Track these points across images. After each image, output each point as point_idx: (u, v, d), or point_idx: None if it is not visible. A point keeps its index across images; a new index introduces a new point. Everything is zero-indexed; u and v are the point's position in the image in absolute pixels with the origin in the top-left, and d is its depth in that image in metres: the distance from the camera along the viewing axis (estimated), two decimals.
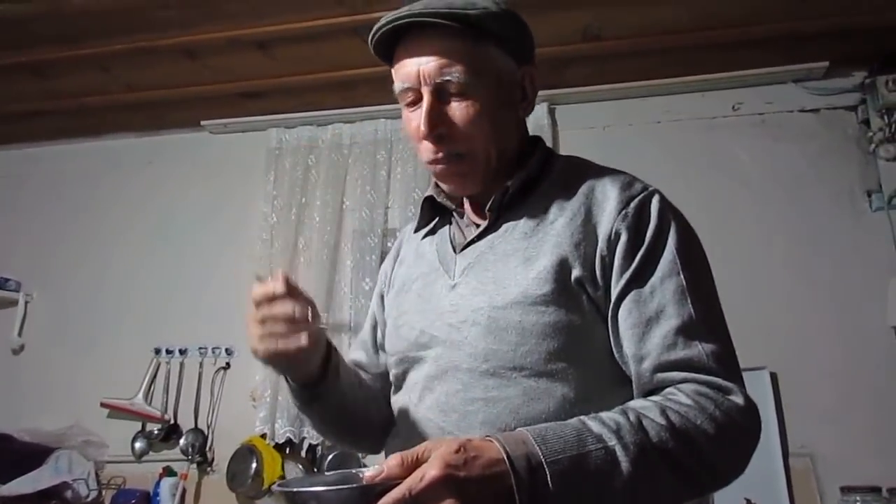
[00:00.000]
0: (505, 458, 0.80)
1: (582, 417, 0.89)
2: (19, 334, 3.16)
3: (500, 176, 1.12)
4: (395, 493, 0.75)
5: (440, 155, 1.09)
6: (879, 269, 2.55)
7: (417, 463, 0.78)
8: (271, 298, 1.01)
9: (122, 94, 3.03)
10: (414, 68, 1.06)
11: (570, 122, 2.97)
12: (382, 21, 1.06)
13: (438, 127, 1.06)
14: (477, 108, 1.05)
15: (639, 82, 2.89)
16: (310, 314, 1.00)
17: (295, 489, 0.82)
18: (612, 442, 0.85)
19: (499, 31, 1.07)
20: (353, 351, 1.39)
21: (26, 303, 3.20)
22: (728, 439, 0.92)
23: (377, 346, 1.32)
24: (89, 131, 3.36)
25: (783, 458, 2.40)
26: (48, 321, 3.17)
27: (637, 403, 0.94)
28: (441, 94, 1.06)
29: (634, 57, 2.75)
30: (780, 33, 2.58)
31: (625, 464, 0.84)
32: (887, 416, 2.40)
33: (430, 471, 0.75)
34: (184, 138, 3.32)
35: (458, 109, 1.06)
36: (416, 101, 1.08)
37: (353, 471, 0.89)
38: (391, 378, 1.23)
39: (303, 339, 1.00)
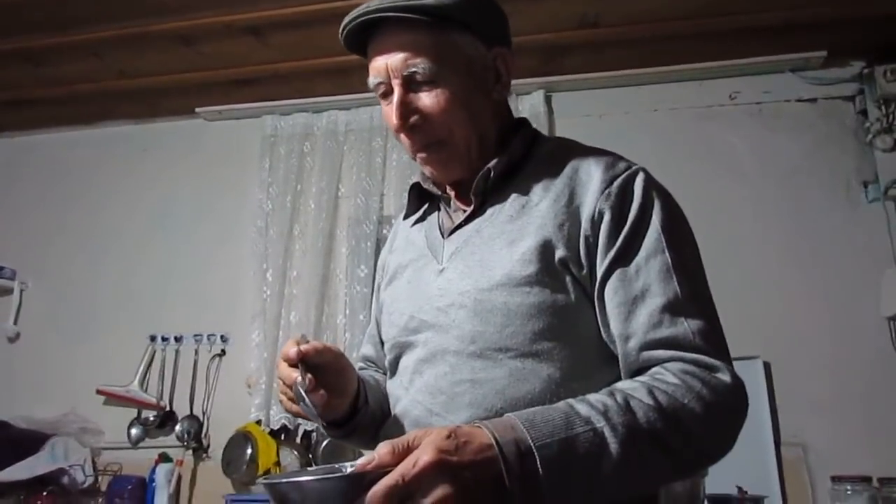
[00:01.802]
0: (494, 443, 0.79)
1: (569, 400, 0.89)
2: (15, 322, 3.16)
3: (484, 159, 1.13)
4: (388, 479, 0.74)
5: (419, 145, 1.11)
6: (874, 260, 2.55)
7: (409, 450, 0.77)
8: (286, 360, 1.04)
9: (116, 81, 3.01)
10: (382, 63, 1.08)
11: (566, 110, 2.96)
12: (345, 20, 1.08)
13: (410, 118, 1.08)
14: (447, 96, 1.06)
15: (635, 70, 2.88)
16: (302, 388, 1.00)
17: (275, 481, 0.81)
18: (601, 424, 0.85)
19: (462, 17, 1.07)
20: (363, 345, 1.42)
21: (21, 291, 3.20)
22: (716, 418, 0.92)
23: (382, 340, 1.32)
24: (82, 119, 3.35)
25: (775, 447, 2.41)
26: (44, 309, 3.18)
27: (624, 384, 0.94)
28: (411, 86, 1.07)
29: (631, 45, 2.74)
30: (779, 22, 2.57)
31: (613, 445, 0.84)
32: (879, 407, 2.41)
33: (423, 456, 0.75)
34: (178, 126, 3.31)
35: (428, 99, 1.07)
36: (389, 94, 1.10)
37: (345, 463, 0.88)
38: (387, 365, 1.24)
39: (293, 408, 1.05)
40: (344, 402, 1.12)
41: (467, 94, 1.08)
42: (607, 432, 0.84)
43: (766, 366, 2.50)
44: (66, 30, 2.63)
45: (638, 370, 0.98)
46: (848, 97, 2.76)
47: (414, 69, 1.06)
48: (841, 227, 2.62)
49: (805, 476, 2.40)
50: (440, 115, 1.07)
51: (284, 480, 0.81)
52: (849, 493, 2.14)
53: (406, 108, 1.08)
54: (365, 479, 0.75)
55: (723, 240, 2.53)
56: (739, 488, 2.19)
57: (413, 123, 1.09)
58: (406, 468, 0.75)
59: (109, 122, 3.36)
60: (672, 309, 0.97)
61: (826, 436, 2.42)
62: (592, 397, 0.89)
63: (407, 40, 1.06)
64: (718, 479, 1.99)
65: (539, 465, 0.80)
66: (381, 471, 0.75)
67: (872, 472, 2.20)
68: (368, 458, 0.78)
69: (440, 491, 0.74)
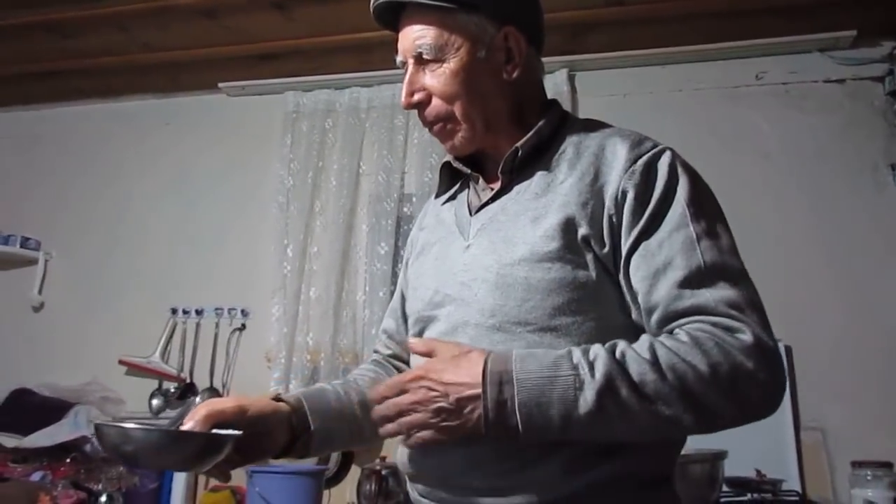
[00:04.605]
0: (482, 370, 0.93)
1: (572, 347, 0.95)
2: (39, 292, 3.21)
3: (496, 137, 1.17)
4: (393, 379, 1.00)
5: (424, 120, 1.18)
6: None
7: (429, 352, 1.01)
8: None
9: (140, 55, 3.02)
10: (400, 44, 1.18)
11: (589, 89, 2.94)
12: (371, 4, 1.18)
13: (414, 94, 1.16)
14: (447, 74, 1.13)
15: (661, 49, 2.83)
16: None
17: (107, 423, 0.94)
18: (584, 370, 0.90)
19: None
20: (385, 319, 1.44)
21: (46, 261, 3.24)
22: (723, 378, 0.90)
23: (405, 314, 1.35)
24: (107, 92, 3.36)
25: (795, 431, 2.40)
26: (68, 280, 3.22)
27: (637, 342, 0.95)
28: (420, 64, 1.15)
29: (657, 23, 2.70)
30: (807, 1, 2.52)
31: (589, 392, 0.89)
32: None
33: (415, 370, 0.98)
34: (201, 100, 3.32)
35: (432, 76, 1.14)
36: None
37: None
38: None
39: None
40: (273, 440, 1.14)
41: (470, 72, 1.13)
42: (587, 379, 0.90)
43: (788, 349, 2.47)
44: (92, 2, 2.64)
45: None
46: (877, 78, 2.70)
47: (420, 49, 1.13)
48: (867, 209, 2.58)
49: (824, 460, 2.38)
50: (440, 93, 1.14)
51: (108, 424, 0.98)
52: (869, 478, 2.12)
53: (412, 86, 1.16)
54: (177, 435, 0.96)
55: (746, 222, 2.47)
56: (758, 471, 2.18)
57: (417, 100, 1.16)
58: (402, 375, 0.99)
59: (133, 95, 3.38)
60: (694, 280, 0.97)
61: (846, 421, 2.40)
62: (594, 347, 0.95)
63: (418, 21, 1.14)
64: (737, 461, 1.99)
65: (515, 396, 0.91)
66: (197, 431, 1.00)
67: (893, 458, 2.18)
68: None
69: (420, 394, 0.95)
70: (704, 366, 0.89)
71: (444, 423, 0.94)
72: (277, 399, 1.17)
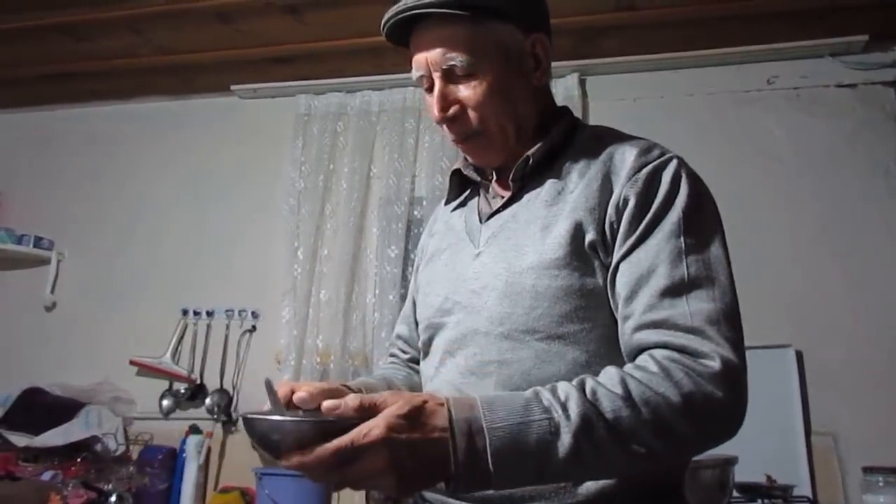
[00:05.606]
0: (448, 422, 0.83)
1: (538, 388, 0.89)
2: (52, 291, 3.22)
3: (523, 145, 1.14)
4: (340, 441, 0.79)
5: (459, 135, 1.14)
6: None
7: (374, 409, 0.82)
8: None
9: (154, 57, 3.04)
10: (422, 58, 1.11)
11: (600, 94, 2.94)
12: (385, 17, 1.11)
13: (449, 109, 1.12)
14: (485, 87, 1.09)
15: (672, 54, 2.84)
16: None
17: (249, 415, 0.85)
18: (557, 413, 0.85)
19: (498, 6, 1.09)
20: (398, 324, 1.44)
21: (59, 261, 3.26)
22: (695, 407, 0.89)
23: (417, 320, 1.34)
24: (120, 94, 3.39)
25: (806, 436, 2.39)
26: (80, 279, 3.24)
27: (602, 374, 0.93)
28: (450, 78, 1.11)
29: (668, 27, 2.70)
30: (819, 5, 2.52)
31: (566, 436, 0.84)
32: None
33: (374, 430, 0.79)
34: (213, 103, 3.34)
35: (466, 90, 1.10)
36: (432, 87, 1.13)
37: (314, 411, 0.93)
38: (420, 345, 1.26)
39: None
40: None
41: (505, 83, 1.11)
42: (562, 422, 0.85)
43: (799, 354, 2.46)
44: (107, 5, 2.66)
45: (632, 352, 0.98)
46: (889, 82, 2.70)
47: (452, 62, 1.08)
48: (878, 214, 2.58)
49: (835, 466, 2.37)
50: (478, 106, 1.10)
51: (256, 416, 0.86)
52: (881, 484, 2.10)
53: (445, 101, 1.11)
54: (332, 428, 0.80)
55: (757, 226, 2.51)
56: (768, 476, 2.17)
57: (452, 114, 1.12)
58: (357, 435, 0.79)
59: (146, 97, 3.41)
60: (673, 291, 0.96)
61: (858, 426, 2.39)
62: (562, 385, 0.89)
63: (444, 35, 1.09)
64: (747, 466, 1.98)
65: (487, 446, 0.82)
66: (347, 422, 0.81)
67: None
68: (335, 404, 0.83)
69: (380, 463, 0.79)
70: (677, 397, 0.88)
71: (409, 483, 0.83)
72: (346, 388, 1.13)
